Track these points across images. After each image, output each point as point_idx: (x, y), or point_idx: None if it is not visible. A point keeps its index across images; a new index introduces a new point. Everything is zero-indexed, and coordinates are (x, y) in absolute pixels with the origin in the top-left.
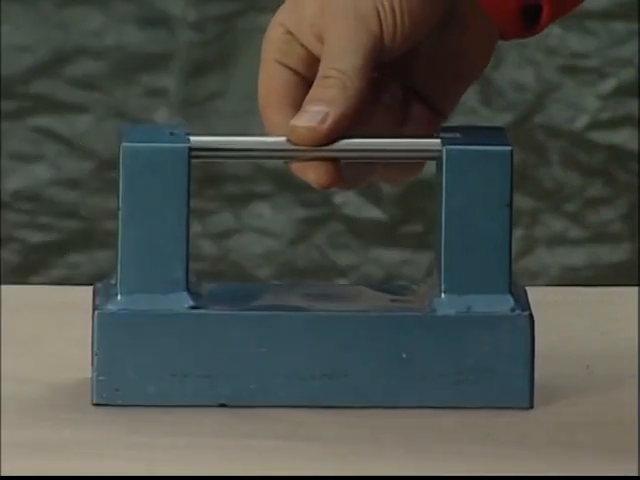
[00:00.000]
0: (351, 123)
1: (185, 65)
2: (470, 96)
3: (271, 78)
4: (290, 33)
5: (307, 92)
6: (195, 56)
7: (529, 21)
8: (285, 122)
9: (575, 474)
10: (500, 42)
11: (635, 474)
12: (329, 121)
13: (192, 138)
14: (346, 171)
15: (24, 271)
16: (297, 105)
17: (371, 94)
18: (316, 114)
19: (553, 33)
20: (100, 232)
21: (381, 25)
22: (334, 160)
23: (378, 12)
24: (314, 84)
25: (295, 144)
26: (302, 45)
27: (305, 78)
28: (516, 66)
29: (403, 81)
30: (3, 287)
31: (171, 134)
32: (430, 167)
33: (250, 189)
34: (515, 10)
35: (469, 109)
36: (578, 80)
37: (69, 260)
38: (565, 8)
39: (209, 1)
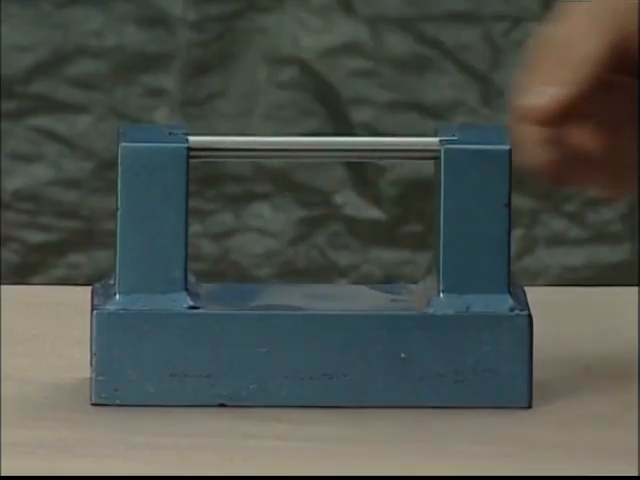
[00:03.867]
0: (579, 108)
1: (185, 65)
2: (470, 96)
3: None
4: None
5: None
6: (195, 56)
7: None
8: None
9: (574, 474)
10: (500, 42)
11: (635, 474)
12: (555, 100)
13: (190, 138)
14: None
15: (24, 271)
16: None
17: (607, 94)
18: (543, 93)
19: None
20: (100, 232)
21: (628, 24)
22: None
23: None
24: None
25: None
26: None
27: None
28: (516, 66)
29: None
30: (3, 287)
31: (170, 134)
32: (429, 167)
33: (250, 189)
34: None
35: (469, 109)
36: None
37: (69, 260)
38: None
39: (209, 1)
